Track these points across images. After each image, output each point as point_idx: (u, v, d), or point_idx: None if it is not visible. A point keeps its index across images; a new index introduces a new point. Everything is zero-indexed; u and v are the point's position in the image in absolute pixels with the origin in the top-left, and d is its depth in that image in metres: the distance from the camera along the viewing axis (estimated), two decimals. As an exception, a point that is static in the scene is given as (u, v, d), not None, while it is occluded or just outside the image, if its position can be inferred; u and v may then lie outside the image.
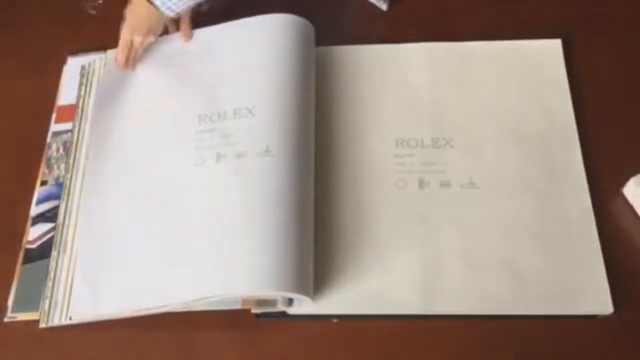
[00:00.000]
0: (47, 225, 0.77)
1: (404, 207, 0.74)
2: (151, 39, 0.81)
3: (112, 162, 0.78)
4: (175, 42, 0.83)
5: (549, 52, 0.83)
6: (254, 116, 0.74)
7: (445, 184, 0.75)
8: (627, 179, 0.74)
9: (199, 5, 0.79)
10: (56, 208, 0.77)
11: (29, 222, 0.77)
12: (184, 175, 0.74)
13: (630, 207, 0.74)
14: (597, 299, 0.69)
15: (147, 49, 0.82)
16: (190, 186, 0.73)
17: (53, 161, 0.81)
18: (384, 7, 0.89)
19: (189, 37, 0.83)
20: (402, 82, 0.82)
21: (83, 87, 0.85)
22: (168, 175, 0.74)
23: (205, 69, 0.80)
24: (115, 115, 0.81)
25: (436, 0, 0.89)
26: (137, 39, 0.80)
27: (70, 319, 0.70)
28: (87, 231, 0.74)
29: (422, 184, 0.75)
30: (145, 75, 0.82)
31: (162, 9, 0.77)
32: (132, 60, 0.82)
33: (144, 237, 0.72)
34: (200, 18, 0.83)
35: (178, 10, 0.78)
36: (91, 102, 0.84)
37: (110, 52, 0.85)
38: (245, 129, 0.74)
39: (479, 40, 0.84)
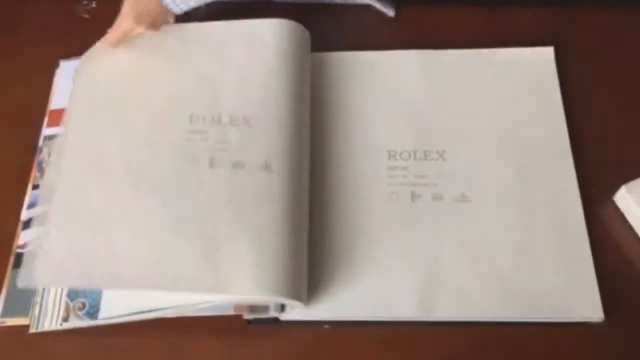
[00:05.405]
0: (38, 230, 0.76)
1: (397, 218, 0.74)
2: (152, 31, 0.80)
3: (95, 158, 0.75)
4: (166, 34, 0.81)
5: (541, 59, 0.83)
6: (251, 127, 0.74)
7: (437, 197, 0.75)
8: (618, 187, 0.74)
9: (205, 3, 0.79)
10: (47, 212, 0.77)
11: (20, 226, 0.77)
12: (172, 175, 0.72)
13: (621, 215, 0.75)
14: (588, 306, 0.69)
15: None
16: (180, 185, 0.71)
17: (45, 165, 0.81)
18: (391, 13, 0.89)
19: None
20: (396, 90, 0.82)
21: (75, 91, 0.85)
22: (154, 174, 0.72)
23: (198, 67, 0.79)
24: (98, 106, 0.79)
25: (429, 8, 0.89)
26: (138, 30, 0.79)
27: (60, 324, 0.70)
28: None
29: (414, 196, 0.75)
30: (132, 65, 0.80)
31: (171, 5, 0.77)
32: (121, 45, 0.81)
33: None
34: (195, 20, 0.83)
35: (186, 8, 0.77)
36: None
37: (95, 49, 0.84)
38: (243, 139, 0.73)
39: (471, 48, 0.84)
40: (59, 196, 0.73)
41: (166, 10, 0.78)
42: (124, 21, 0.79)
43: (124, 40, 0.81)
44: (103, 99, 0.79)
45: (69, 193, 0.73)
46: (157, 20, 0.79)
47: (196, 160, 0.73)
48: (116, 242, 0.70)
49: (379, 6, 0.88)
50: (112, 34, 0.80)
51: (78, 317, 0.69)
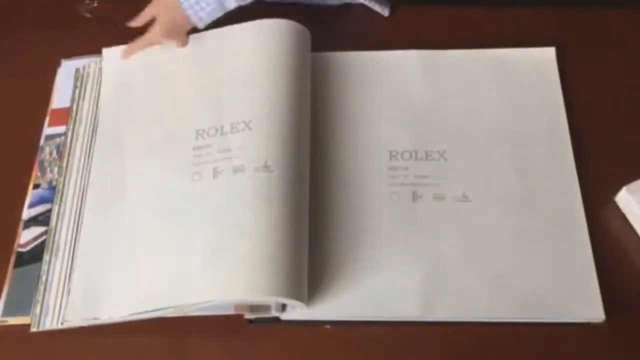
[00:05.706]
0: (39, 229, 0.76)
1: (398, 218, 0.74)
2: (170, 42, 0.82)
3: (113, 171, 0.77)
4: (171, 48, 0.83)
5: (542, 60, 0.83)
6: (251, 130, 0.74)
7: (438, 197, 0.75)
8: (619, 188, 0.74)
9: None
10: (49, 211, 0.77)
11: (21, 226, 0.77)
12: (181, 192, 0.73)
13: (623, 216, 0.74)
14: (589, 307, 0.69)
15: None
16: (187, 202, 0.72)
17: (46, 164, 0.81)
18: (385, 12, 0.89)
19: (185, 44, 0.83)
20: (396, 90, 0.82)
21: (77, 91, 0.85)
22: (165, 191, 0.74)
23: (202, 80, 0.80)
24: (117, 126, 0.81)
25: (431, 8, 0.89)
26: (161, 42, 0.82)
27: (61, 323, 0.70)
28: (86, 237, 0.74)
29: (415, 196, 0.75)
30: (144, 85, 0.82)
31: (194, 19, 0.79)
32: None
33: (140, 245, 0.72)
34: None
35: (208, 21, 0.80)
36: (86, 105, 0.83)
37: (106, 53, 0.85)
38: (243, 144, 0.73)
39: (471, 48, 0.84)
40: (83, 236, 0.74)
41: (189, 25, 0.80)
42: (156, 35, 0.81)
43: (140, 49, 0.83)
44: (124, 126, 0.81)
45: (90, 228, 0.75)
46: (183, 34, 0.82)
47: (201, 175, 0.73)
48: (132, 271, 0.71)
49: (372, 6, 0.88)
50: (138, 42, 0.82)
51: (79, 316, 0.70)
